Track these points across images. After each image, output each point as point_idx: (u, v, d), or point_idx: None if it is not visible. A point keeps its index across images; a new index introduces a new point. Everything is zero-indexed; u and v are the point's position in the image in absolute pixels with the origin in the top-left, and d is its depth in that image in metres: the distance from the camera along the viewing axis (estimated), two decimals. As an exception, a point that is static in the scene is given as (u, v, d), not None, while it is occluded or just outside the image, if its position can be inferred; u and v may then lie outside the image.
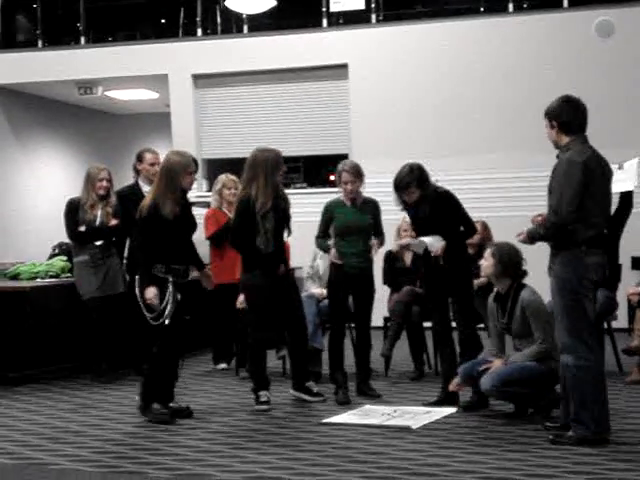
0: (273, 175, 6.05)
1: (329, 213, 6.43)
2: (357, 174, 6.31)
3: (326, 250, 6.48)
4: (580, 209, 4.78)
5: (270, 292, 6.08)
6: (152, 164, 7.31)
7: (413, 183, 5.96)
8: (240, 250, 6.23)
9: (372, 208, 6.42)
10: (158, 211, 5.70)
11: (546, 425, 5.28)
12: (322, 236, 6.47)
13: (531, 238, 4.96)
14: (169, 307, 5.71)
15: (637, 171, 6.87)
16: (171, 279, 5.74)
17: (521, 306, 5.62)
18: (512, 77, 10.32)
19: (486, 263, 5.75)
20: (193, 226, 5.97)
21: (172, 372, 5.89)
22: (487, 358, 5.76)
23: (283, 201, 6.14)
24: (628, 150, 8.33)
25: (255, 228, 6.02)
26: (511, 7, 10.65)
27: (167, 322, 5.69)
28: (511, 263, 5.70)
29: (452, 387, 5.88)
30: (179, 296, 5.77)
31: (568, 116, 4.93)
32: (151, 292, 5.67)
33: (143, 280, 5.73)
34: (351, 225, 6.34)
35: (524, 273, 5.76)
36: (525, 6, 10.81)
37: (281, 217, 6.12)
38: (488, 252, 5.77)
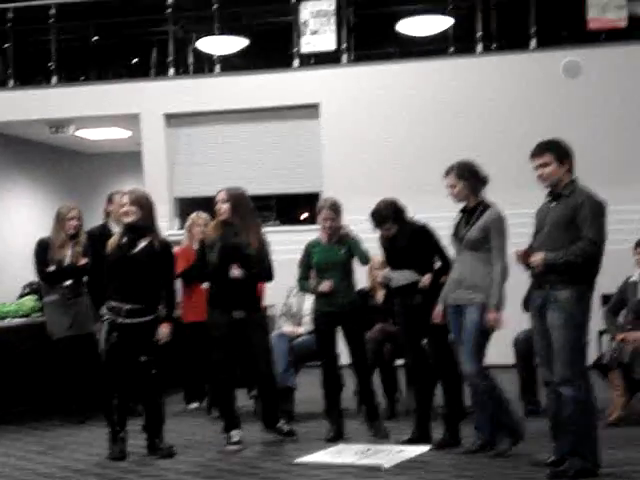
0: (214, 211, 6.23)
1: (307, 253, 6.47)
2: (337, 211, 6.38)
3: (309, 290, 6.53)
4: None
5: (223, 330, 6.05)
6: (120, 205, 7.34)
7: (389, 218, 6.05)
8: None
9: (350, 243, 6.39)
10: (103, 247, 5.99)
11: (535, 461, 5.28)
12: (303, 277, 6.50)
13: (549, 265, 4.97)
14: (102, 346, 5.81)
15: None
16: (107, 317, 5.76)
17: (485, 220, 5.58)
18: (482, 116, 10.43)
19: (457, 189, 5.68)
20: (160, 264, 5.90)
21: (118, 410, 5.86)
22: None
23: (236, 235, 6.09)
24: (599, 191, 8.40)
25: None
26: (480, 48, 10.80)
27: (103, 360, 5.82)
28: (475, 176, 5.69)
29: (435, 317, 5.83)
30: (115, 335, 5.76)
31: (573, 157, 5.09)
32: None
33: None
34: (325, 262, 6.36)
35: (485, 179, 5.73)
36: (493, 47, 10.97)
37: (231, 254, 6.06)
38: (453, 177, 5.70)
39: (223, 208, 6.12)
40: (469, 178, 5.67)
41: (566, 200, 5.03)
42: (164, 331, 5.82)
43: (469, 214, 5.68)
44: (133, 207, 5.83)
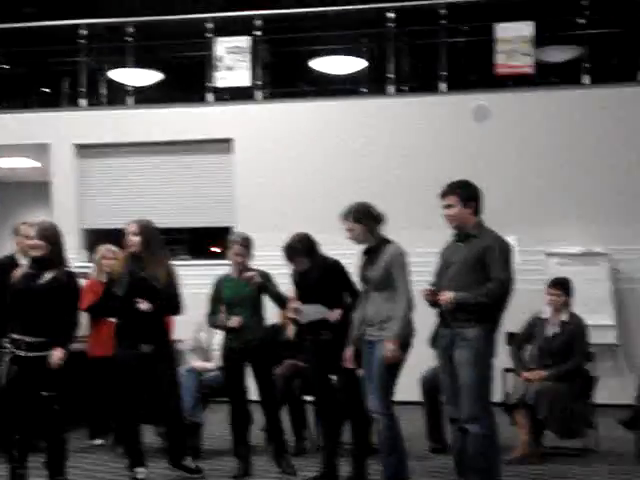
0: (123, 243, 6.16)
1: (217, 288, 6.45)
2: (247, 246, 6.39)
3: (218, 326, 6.48)
4: None
5: (131, 365, 5.98)
6: (26, 237, 7.20)
7: (302, 252, 6.10)
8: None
9: (262, 278, 6.42)
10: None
11: None
12: (212, 312, 6.48)
13: (458, 304, 5.07)
14: (1, 379, 5.67)
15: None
16: (8, 350, 5.67)
17: (386, 258, 5.66)
18: (392, 156, 10.60)
19: (355, 232, 5.77)
20: (64, 297, 5.78)
21: (18, 446, 5.71)
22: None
23: (144, 269, 6.06)
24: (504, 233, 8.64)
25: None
26: (392, 89, 11.00)
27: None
28: (370, 217, 5.78)
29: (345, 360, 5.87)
30: (15, 368, 5.63)
31: (480, 199, 5.22)
32: None
33: None
34: (235, 297, 6.35)
35: (380, 218, 5.82)
36: (405, 89, 11.19)
37: (138, 287, 6.02)
38: (350, 221, 5.78)
39: (134, 240, 6.08)
40: (365, 220, 5.76)
41: (474, 241, 5.15)
42: (56, 355, 5.68)
43: (371, 255, 5.75)
44: (40, 240, 5.73)
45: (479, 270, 5.08)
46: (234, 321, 6.28)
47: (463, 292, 5.06)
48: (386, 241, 5.78)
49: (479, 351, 5.04)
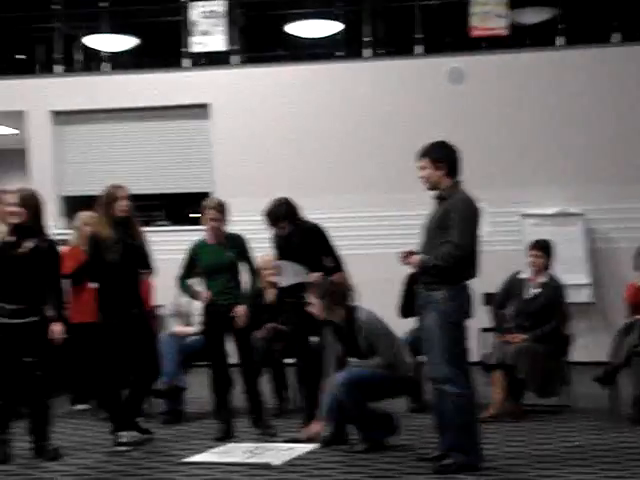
0: (109, 208, 6.05)
1: (192, 254, 6.46)
2: (223, 211, 6.38)
3: (189, 294, 6.52)
4: None
5: (122, 329, 6.02)
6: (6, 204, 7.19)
7: (283, 217, 6.13)
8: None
9: (237, 243, 6.44)
10: None
11: (420, 456, 5.42)
12: (183, 277, 6.48)
13: (422, 267, 5.12)
14: None
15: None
16: None
17: (361, 327, 5.78)
18: (370, 119, 10.62)
19: (316, 306, 5.89)
20: (46, 264, 5.80)
21: (2, 412, 5.78)
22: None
23: (129, 237, 6.08)
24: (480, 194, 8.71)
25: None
26: (368, 53, 11.00)
27: None
28: (335, 293, 5.87)
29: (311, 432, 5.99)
30: None
31: (454, 160, 5.21)
32: None
33: None
34: (213, 264, 6.37)
35: (351, 293, 5.93)
36: (381, 52, 11.18)
37: (132, 253, 6.05)
38: (311, 294, 5.92)
39: (127, 205, 6.05)
40: (327, 298, 5.87)
41: (444, 203, 5.17)
42: (57, 329, 5.74)
43: (342, 329, 5.90)
44: (20, 208, 5.74)
45: (444, 232, 5.08)
46: (203, 297, 6.32)
47: (427, 256, 5.10)
48: (353, 311, 5.87)
49: (445, 313, 5.05)
